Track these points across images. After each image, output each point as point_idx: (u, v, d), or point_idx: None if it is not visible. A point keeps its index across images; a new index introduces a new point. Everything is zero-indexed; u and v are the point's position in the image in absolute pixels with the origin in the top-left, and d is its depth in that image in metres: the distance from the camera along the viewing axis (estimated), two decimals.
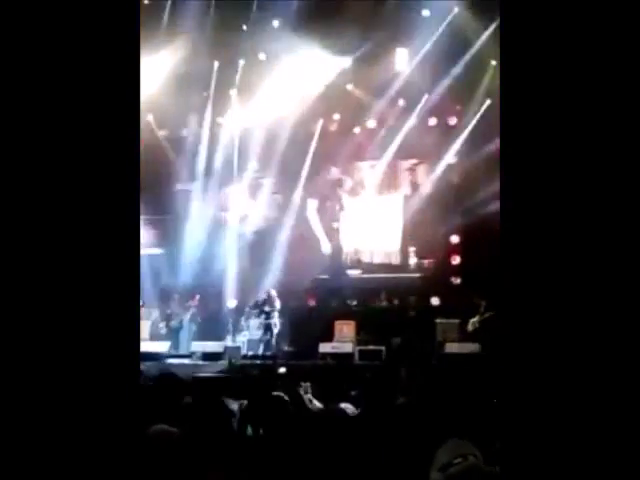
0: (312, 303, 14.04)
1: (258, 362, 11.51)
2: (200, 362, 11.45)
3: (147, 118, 14.88)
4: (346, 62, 13.50)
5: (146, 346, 12.55)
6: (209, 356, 11.77)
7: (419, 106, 13.59)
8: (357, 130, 14.51)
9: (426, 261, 13.89)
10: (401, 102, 13.84)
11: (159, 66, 13.24)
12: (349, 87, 14.06)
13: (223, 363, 11.37)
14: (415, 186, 14.28)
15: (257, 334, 12.71)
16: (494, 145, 11.10)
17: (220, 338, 12.95)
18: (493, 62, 12.75)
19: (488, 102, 12.87)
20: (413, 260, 14.00)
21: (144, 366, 9.76)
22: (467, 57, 12.81)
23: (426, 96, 13.37)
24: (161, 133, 15.24)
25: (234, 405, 4.37)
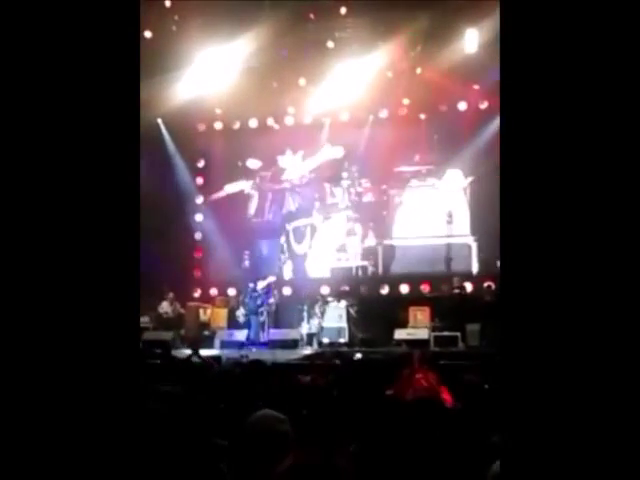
0: (385, 291, 14.03)
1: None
2: (278, 350, 11.62)
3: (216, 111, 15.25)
4: (414, 45, 13.34)
5: (224, 335, 12.90)
6: (286, 343, 11.95)
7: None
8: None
9: None
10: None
11: (230, 62, 13.44)
12: (418, 70, 13.91)
13: (298, 351, 11.55)
14: None
15: (332, 321, 12.81)
16: None
17: (291, 325, 13.15)
18: None
19: None
20: None
21: (225, 354, 10.10)
22: None
23: None
24: (234, 126, 15.51)
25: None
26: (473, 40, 12.59)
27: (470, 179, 13.85)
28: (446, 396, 4.34)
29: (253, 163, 15.26)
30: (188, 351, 8.05)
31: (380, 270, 14.26)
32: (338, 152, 14.82)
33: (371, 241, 14.45)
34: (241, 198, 15.38)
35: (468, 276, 13.30)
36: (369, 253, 14.38)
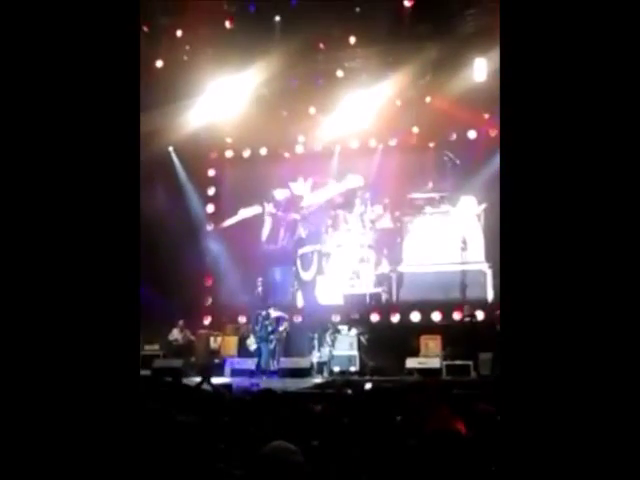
0: (396, 318, 13.96)
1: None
2: (288, 378, 11.54)
3: (227, 140, 15.42)
4: (423, 75, 13.45)
5: (234, 363, 12.84)
6: (297, 372, 11.87)
7: None
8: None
9: None
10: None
11: (240, 91, 13.58)
12: (428, 99, 14.01)
13: (309, 380, 11.46)
14: None
15: (343, 349, 12.73)
16: None
17: (302, 354, 13.10)
18: None
19: None
20: None
21: (235, 382, 10.04)
22: None
23: None
24: (245, 154, 15.63)
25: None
26: (482, 69, 12.66)
27: (484, 206, 13.85)
28: (461, 426, 4.28)
29: (280, 193, 15.36)
30: (198, 379, 7.99)
31: (394, 297, 14.20)
32: (359, 181, 14.89)
33: (384, 268, 14.41)
34: (253, 225, 15.45)
35: (483, 303, 13.21)
36: (382, 280, 14.34)
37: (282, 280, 15.04)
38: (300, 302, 14.66)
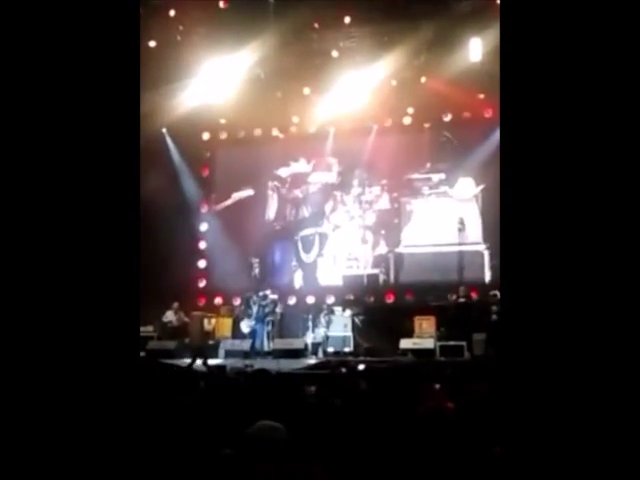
0: (390, 299, 14.00)
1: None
2: (282, 359, 11.58)
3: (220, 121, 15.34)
4: (419, 54, 13.36)
5: (228, 344, 12.88)
6: (291, 353, 11.92)
7: None
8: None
9: None
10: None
11: (234, 71, 13.47)
12: (423, 79, 13.94)
13: (303, 361, 11.51)
14: None
15: (338, 330, 12.77)
16: None
17: (296, 335, 13.12)
18: None
19: None
20: None
21: (229, 363, 10.07)
22: None
23: None
24: (239, 135, 15.57)
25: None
26: (477, 49, 12.58)
27: (481, 187, 13.85)
28: (451, 405, 4.31)
29: (284, 171, 15.34)
30: (190, 360, 8.00)
31: (392, 278, 14.22)
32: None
33: (382, 249, 14.44)
34: (248, 206, 15.43)
35: (481, 284, 13.23)
36: (380, 261, 14.36)
37: (279, 261, 15.05)
38: (298, 283, 14.68)
